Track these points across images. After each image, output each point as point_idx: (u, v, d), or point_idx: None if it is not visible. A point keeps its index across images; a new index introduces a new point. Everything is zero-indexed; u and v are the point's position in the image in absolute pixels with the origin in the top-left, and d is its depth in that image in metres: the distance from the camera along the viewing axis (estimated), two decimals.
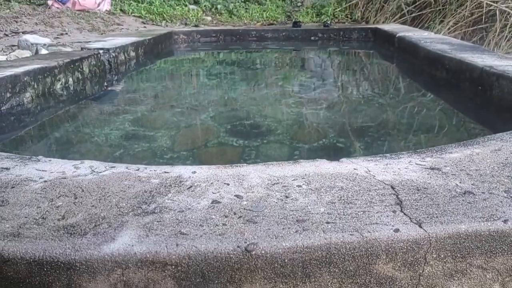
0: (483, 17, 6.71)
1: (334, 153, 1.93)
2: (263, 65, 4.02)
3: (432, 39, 3.72)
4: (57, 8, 5.76)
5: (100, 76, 3.36)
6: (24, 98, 2.44)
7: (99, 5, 6.00)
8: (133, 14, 6.16)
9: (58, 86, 2.78)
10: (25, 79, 2.45)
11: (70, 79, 2.93)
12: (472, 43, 7.14)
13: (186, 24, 6.23)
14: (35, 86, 2.54)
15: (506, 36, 6.65)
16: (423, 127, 2.19)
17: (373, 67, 3.98)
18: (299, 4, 7.94)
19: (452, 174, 0.93)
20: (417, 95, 2.86)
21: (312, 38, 5.56)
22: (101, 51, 3.48)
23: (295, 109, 2.49)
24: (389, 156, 1.05)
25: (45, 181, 0.95)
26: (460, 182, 0.89)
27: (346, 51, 4.94)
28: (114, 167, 1.01)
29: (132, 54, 4.01)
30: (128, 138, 2.10)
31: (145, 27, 5.78)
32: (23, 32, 4.67)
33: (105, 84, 3.35)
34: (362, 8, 7.20)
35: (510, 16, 6.51)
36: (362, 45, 5.23)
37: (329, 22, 5.73)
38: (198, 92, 2.94)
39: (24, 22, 4.99)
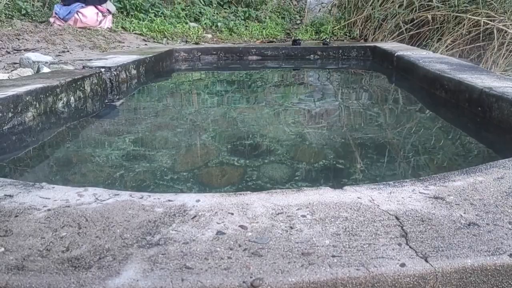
0: (481, 35, 6.79)
1: (335, 174, 1.93)
2: (263, 84, 4.04)
3: (431, 58, 3.75)
4: (59, 25, 5.80)
5: (102, 95, 3.37)
6: (26, 118, 2.44)
7: (100, 22, 6.05)
8: (134, 32, 6.20)
9: (60, 105, 2.79)
10: (27, 98, 2.46)
11: (72, 98, 2.94)
12: (470, 61, 7.22)
13: (186, 41, 6.27)
14: (37, 105, 2.55)
15: (504, 54, 6.71)
16: (423, 148, 2.19)
17: (373, 86, 4.00)
18: (298, 22, 8.02)
19: (456, 204, 0.93)
20: (417, 115, 2.87)
21: (312, 56, 5.60)
22: (102, 70, 3.50)
23: (295, 128, 2.49)
24: (392, 184, 1.05)
25: (48, 210, 0.94)
26: (464, 213, 0.89)
27: (345, 70, 4.96)
28: (117, 194, 1.01)
29: (134, 72, 4.03)
30: (129, 158, 2.10)
31: (146, 44, 5.81)
32: (25, 50, 4.70)
33: (106, 102, 3.36)
34: (361, 26, 7.27)
35: (507, 34, 6.58)
36: (361, 64, 5.26)
37: (328, 40, 5.77)
38: (198, 111, 2.95)
39: (26, 39, 5.02)
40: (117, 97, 3.53)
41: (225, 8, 7.64)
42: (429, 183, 1.05)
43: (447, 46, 6.96)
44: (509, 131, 2.09)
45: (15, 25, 5.48)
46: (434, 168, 1.95)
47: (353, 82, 4.18)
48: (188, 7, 7.20)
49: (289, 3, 8.71)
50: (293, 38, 6.44)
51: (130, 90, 3.80)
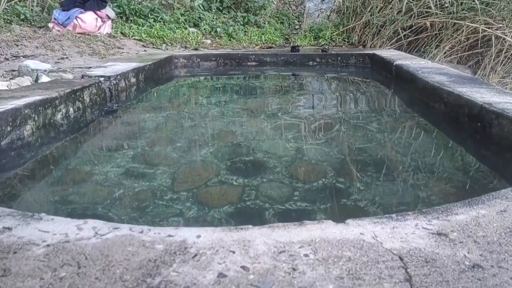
0: (479, 42, 6.81)
1: (334, 194, 1.93)
2: (262, 93, 4.03)
3: (430, 69, 3.74)
4: (58, 31, 5.79)
5: (101, 104, 3.36)
6: (25, 131, 2.43)
7: (99, 28, 6.04)
8: (133, 37, 6.19)
9: (59, 116, 2.78)
10: (26, 111, 2.45)
11: (71, 109, 2.92)
12: (468, 67, 7.23)
13: (186, 47, 6.26)
14: (36, 118, 2.54)
15: (502, 61, 6.73)
16: (422, 168, 2.19)
17: (372, 98, 3.99)
18: (297, 27, 8.02)
19: (460, 242, 0.92)
20: (416, 130, 2.87)
21: (310, 63, 5.60)
22: (101, 79, 3.49)
23: (294, 144, 2.48)
24: (395, 217, 1.04)
25: (48, 246, 0.93)
26: (468, 252, 0.88)
27: (343, 78, 4.95)
28: (117, 228, 1.00)
29: (133, 80, 4.02)
30: (128, 176, 2.09)
31: (145, 50, 5.80)
32: (24, 56, 4.69)
33: (105, 111, 3.35)
34: (359, 32, 7.28)
35: (505, 42, 6.60)
36: (360, 71, 5.26)
37: (327, 47, 5.77)
38: (197, 124, 2.94)
39: (24, 45, 5.01)
40: (116, 105, 3.52)
41: (224, 13, 7.64)
42: (432, 217, 1.04)
43: (445, 53, 6.97)
44: (510, 149, 2.09)
45: (13, 31, 5.46)
46: (433, 190, 1.95)
47: (351, 92, 4.18)
48: (188, 12, 7.19)
49: (288, 8, 8.71)
50: (292, 44, 6.44)
51: (129, 98, 3.79)
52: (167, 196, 1.90)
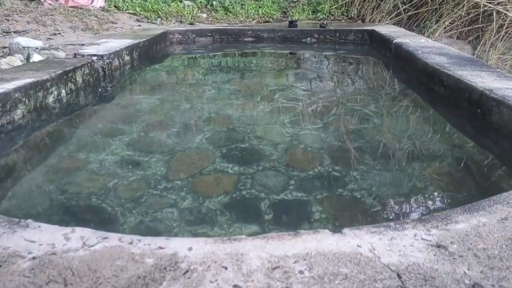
0: (480, 17, 6.69)
1: (330, 182, 1.90)
2: (259, 73, 3.96)
3: (430, 48, 3.67)
4: (50, 4, 5.64)
5: (94, 85, 3.30)
6: (15, 116, 2.37)
7: (92, 1, 5.89)
8: (127, 11, 6.05)
9: (51, 99, 2.72)
10: (16, 95, 2.39)
11: (63, 91, 2.86)
12: (468, 43, 7.12)
13: (181, 22, 6.13)
14: (27, 102, 2.48)
15: (502, 37, 6.62)
16: (420, 155, 2.15)
17: (370, 78, 3.92)
18: (295, 0, 7.85)
19: (460, 256, 0.90)
20: (415, 114, 2.82)
21: (308, 39, 5.49)
22: (94, 58, 3.41)
23: (291, 129, 2.44)
24: (393, 226, 1.01)
25: (34, 258, 0.90)
26: (468, 269, 0.85)
27: (342, 57, 4.86)
28: (106, 238, 0.97)
29: (127, 58, 3.93)
30: (120, 164, 2.05)
31: (139, 25, 5.68)
32: (15, 32, 4.58)
33: (99, 92, 3.29)
34: (358, 5, 7.14)
35: (506, 17, 6.48)
36: (358, 49, 5.17)
37: (325, 23, 5.65)
38: (192, 106, 2.88)
39: (15, 20, 4.89)
40: (110, 84, 3.46)
41: None
42: (431, 225, 1.01)
43: (445, 28, 6.86)
44: (509, 138, 2.05)
45: (4, 4, 5.32)
46: (430, 181, 1.92)
47: (350, 73, 4.10)
48: None
49: None
50: (289, 19, 6.31)
51: (123, 77, 3.72)
52: (161, 185, 1.87)
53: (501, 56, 6.76)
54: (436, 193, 1.80)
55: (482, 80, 2.51)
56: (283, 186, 1.87)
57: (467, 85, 2.49)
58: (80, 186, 1.85)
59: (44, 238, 0.98)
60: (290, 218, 1.68)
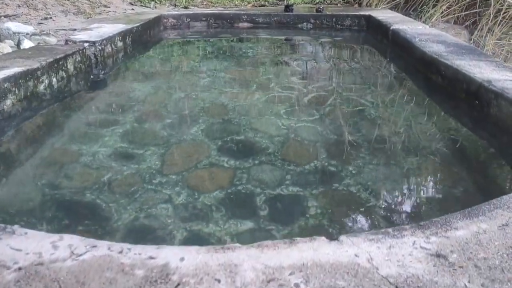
0: (477, 1, 6.61)
1: (326, 176, 1.87)
2: (254, 61, 3.90)
3: (427, 35, 3.62)
4: None
5: (86, 72, 3.23)
6: (5, 106, 2.32)
7: None
8: None
9: (41, 88, 2.66)
10: (6, 85, 2.33)
11: (54, 79, 2.80)
12: (465, 28, 7.04)
13: (175, 5, 6.03)
14: (16, 91, 2.42)
15: (500, 22, 6.55)
16: (416, 147, 2.13)
17: (367, 64, 3.87)
18: None
19: (460, 267, 0.87)
20: (411, 102, 2.79)
21: (305, 24, 5.42)
22: (86, 45, 3.34)
23: (287, 121, 2.40)
24: (391, 233, 0.98)
25: (19, 269, 0.87)
26: (469, 282, 0.83)
27: (338, 44, 4.78)
28: (95, 246, 0.94)
29: (120, 44, 3.86)
30: (114, 157, 2.01)
31: (133, 9, 5.58)
32: (5, 16, 4.48)
33: (91, 79, 3.23)
34: None
35: (504, 1, 6.40)
36: (355, 35, 5.11)
37: (321, 7, 5.57)
38: (187, 95, 2.84)
39: (5, 4, 4.77)
40: (102, 72, 3.40)
41: None
42: (430, 232, 0.99)
43: (442, 13, 6.78)
44: (507, 131, 2.02)
45: None
46: (427, 175, 1.90)
47: (346, 60, 4.05)
48: None
49: None
50: (285, 3, 6.21)
51: (116, 64, 3.66)
52: (155, 180, 1.83)
53: (497, 41, 6.71)
54: (433, 189, 1.79)
55: (481, 70, 2.48)
56: (279, 180, 1.84)
57: (465, 76, 2.45)
58: (72, 181, 1.82)
59: (31, 246, 0.94)
60: (286, 214, 1.65)
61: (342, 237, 0.97)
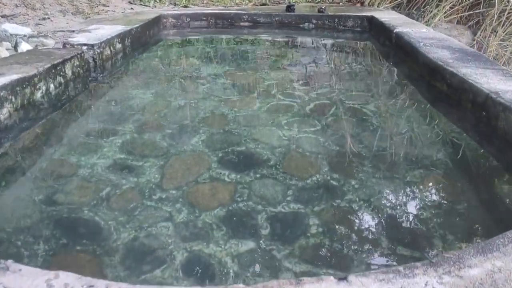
0: (481, 1, 6.56)
1: (328, 191, 1.83)
2: (255, 65, 3.85)
3: (432, 40, 3.56)
4: None
5: (84, 76, 3.18)
6: (1, 115, 2.27)
7: None
8: None
9: (39, 95, 2.61)
10: (2, 94, 2.28)
11: (52, 85, 2.75)
12: (468, 28, 6.98)
13: (175, 4, 5.97)
14: (13, 100, 2.37)
15: (503, 22, 6.50)
16: (421, 158, 2.08)
17: (370, 68, 3.82)
18: None
19: None
20: (415, 112, 2.74)
21: (306, 25, 5.36)
22: (84, 48, 3.29)
23: (288, 131, 2.36)
24: (402, 272, 0.94)
25: None
26: None
27: (341, 46, 4.72)
28: (92, 286, 0.89)
29: (119, 46, 3.81)
30: (113, 169, 1.97)
31: (132, 8, 5.51)
32: (3, 16, 4.42)
33: (89, 84, 3.18)
34: None
35: (509, 2, 6.35)
36: (357, 36, 5.05)
37: (323, 7, 5.51)
38: (187, 103, 2.79)
39: (3, 3, 4.71)
40: (101, 75, 3.35)
41: None
42: (443, 271, 0.94)
43: (445, 12, 6.72)
44: None
45: None
46: (431, 190, 1.85)
47: (349, 64, 3.98)
48: None
49: None
50: (287, 2, 6.15)
51: (115, 67, 3.60)
52: (155, 196, 1.79)
53: (501, 42, 6.65)
54: (438, 207, 1.74)
55: (488, 80, 2.43)
56: (281, 196, 1.80)
57: (471, 86, 2.40)
58: (71, 196, 1.77)
59: (25, 285, 0.90)
60: (287, 233, 1.61)
61: (351, 277, 0.93)
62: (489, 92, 2.23)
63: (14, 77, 2.41)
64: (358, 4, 6.74)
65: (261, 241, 1.55)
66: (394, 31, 4.10)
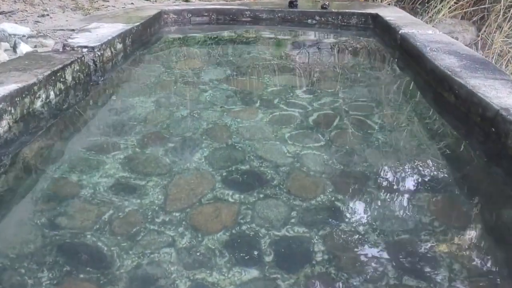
0: None
1: (333, 214, 1.80)
2: (258, 68, 3.78)
3: (438, 44, 3.50)
4: None
5: (85, 82, 3.12)
6: (1, 128, 2.22)
7: None
8: None
9: (38, 104, 2.56)
10: (1, 106, 2.23)
11: (52, 93, 2.69)
12: (472, 23, 6.89)
13: None
14: (13, 111, 2.32)
15: (508, 18, 6.41)
16: (428, 178, 2.05)
17: (376, 73, 3.74)
18: None
19: None
20: (422, 123, 2.70)
21: (309, 21, 5.29)
22: (85, 50, 3.23)
23: (292, 147, 2.32)
24: None
25: None
26: None
27: (344, 47, 4.61)
28: None
29: (119, 46, 3.74)
30: (115, 190, 1.93)
31: (132, 3, 5.42)
32: (1, 13, 4.34)
33: (90, 88, 3.12)
34: None
35: None
36: (361, 34, 4.97)
37: (327, 4, 5.41)
38: (189, 113, 2.74)
39: (1, 0, 4.63)
40: (101, 78, 3.29)
41: None
42: None
43: (449, 8, 6.64)
44: None
45: None
46: (437, 212, 1.82)
47: (353, 67, 3.90)
48: None
49: None
50: None
51: (116, 68, 3.55)
52: (159, 219, 1.76)
53: (506, 39, 6.57)
54: (444, 232, 1.71)
55: (497, 94, 2.38)
56: (284, 218, 1.78)
57: (481, 100, 2.36)
58: (72, 220, 1.74)
59: None
60: (292, 260, 1.59)
61: None
62: (500, 109, 2.18)
63: (13, 86, 2.36)
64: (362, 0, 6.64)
65: (265, 269, 1.53)
66: (400, 32, 4.03)
